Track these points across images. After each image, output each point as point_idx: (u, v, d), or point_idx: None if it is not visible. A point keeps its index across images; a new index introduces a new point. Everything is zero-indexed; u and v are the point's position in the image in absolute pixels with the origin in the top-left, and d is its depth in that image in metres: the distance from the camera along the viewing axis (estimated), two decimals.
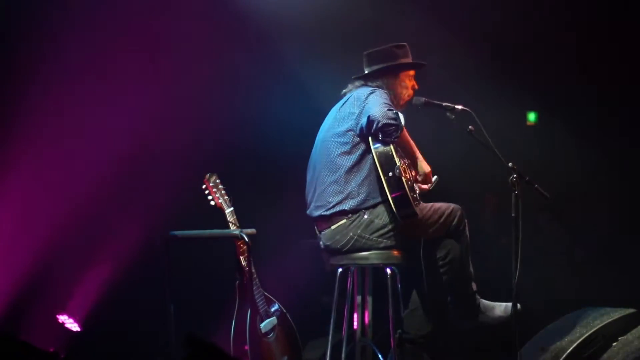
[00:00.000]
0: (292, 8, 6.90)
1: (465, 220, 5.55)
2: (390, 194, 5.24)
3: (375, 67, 5.58)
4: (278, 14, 6.91)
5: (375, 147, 5.28)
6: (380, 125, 5.15)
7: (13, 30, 6.41)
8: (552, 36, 7.32)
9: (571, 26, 7.27)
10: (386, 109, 5.18)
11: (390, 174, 5.24)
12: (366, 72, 5.61)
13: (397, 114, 5.23)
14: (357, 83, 5.62)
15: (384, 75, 5.57)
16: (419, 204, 5.41)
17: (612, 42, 7.28)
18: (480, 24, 7.21)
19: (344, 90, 5.66)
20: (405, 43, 5.65)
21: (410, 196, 5.24)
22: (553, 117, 7.66)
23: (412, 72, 5.67)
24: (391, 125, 5.17)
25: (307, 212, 5.57)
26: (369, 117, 5.19)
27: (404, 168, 5.36)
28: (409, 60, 5.63)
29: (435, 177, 5.58)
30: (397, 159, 5.25)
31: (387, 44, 5.63)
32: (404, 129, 5.33)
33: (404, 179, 5.24)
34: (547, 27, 7.30)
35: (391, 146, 5.26)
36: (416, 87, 5.66)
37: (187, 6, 6.71)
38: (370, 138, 5.30)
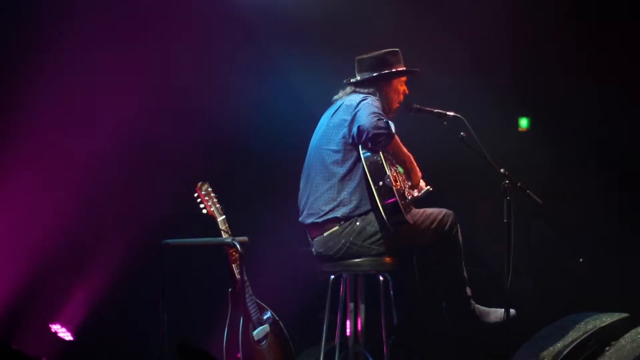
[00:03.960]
0: (286, 10, 6.90)
1: (458, 225, 5.55)
2: (381, 202, 5.25)
3: (367, 75, 5.58)
4: (271, 18, 6.91)
5: (365, 156, 5.30)
6: (370, 135, 5.18)
7: (11, 32, 6.41)
8: (546, 41, 7.33)
9: (567, 29, 7.28)
10: (376, 118, 5.19)
11: (381, 183, 5.25)
12: (358, 78, 5.61)
13: (387, 123, 5.25)
14: (348, 89, 5.62)
15: (377, 82, 5.58)
16: (411, 210, 5.41)
17: (608, 44, 7.28)
18: (473, 28, 7.21)
19: (335, 97, 5.66)
20: (397, 49, 5.66)
21: (401, 204, 5.25)
22: (546, 122, 7.66)
23: (404, 78, 5.68)
24: (381, 135, 5.20)
25: (300, 219, 5.57)
26: (359, 127, 5.22)
27: (395, 176, 5.36)
28: (402, 66, 5.64)
29: (428, 187, 5.58)
30: (387, 168, 5.26)
31: (380, 50, 5.63)
32: (395, 137, 5.34)
33: (394, 188, 5.25)
34: (544, 30, 7.31)
35: (381, 154, 5.28)
36: (407, 92, 5.67)
37: (181, 10, 6.70)
38: (360, 146, 5.32)
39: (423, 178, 5.59)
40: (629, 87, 7.27)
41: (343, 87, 5.68)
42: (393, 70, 5.60)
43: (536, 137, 7.67)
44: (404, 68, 5.64)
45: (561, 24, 7.29)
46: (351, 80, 5.64)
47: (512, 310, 5.36)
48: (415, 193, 5.56)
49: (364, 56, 5.65)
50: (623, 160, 7.38)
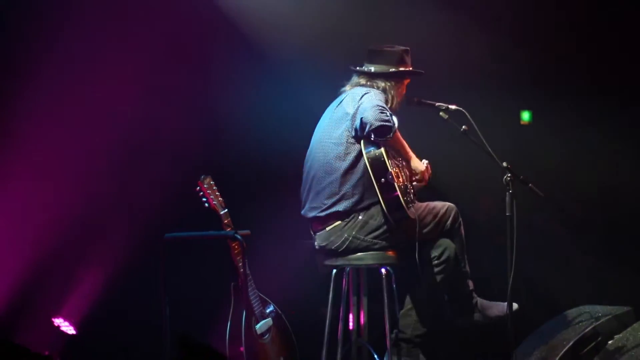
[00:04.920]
0: (284, 6, 6.89)
1: (460, 219, 5.56)
2: (383, 198, 5.26)
3: (385, 68, 5.56)
4: (270, 11, 6.90)
5: (367, 152, 5.30)
6: (372, 127, 5.18)
7: (9, 32, 6.41)
8: (548, 32, 7.32)
9: (568, 23, 7.27)
10: (379, 111, 5.19)
11: (383, 180, 5.25)
12: (372, 69, 5.59)
13: (390, 116, 5.24)
14: (353, 81, 5.62)
15: (391, 78, 5.57)
16: (414, 205, 5.41)
17: (611, 39, 7.27)
18: (475, 20, 7.20)
19: (342, 89, 5.66)
20: (409, 48, 5.66)
21: (403, 200, 5.25)
22: (549, 115, 7.65)
23: (408, 79, 5.70)
24: (384, 127, 5.20)
25: (302, 212, 5.58)
26: (362, 119, 5.22)
27: (397, 172, 5.37)
28: (411, 66, 5.64)
29: (425, 161, 5.58)
30: (389, 164, 5.26)
31: (394, 46, 5.62)
32: (397, 132, 5.34)
33: (396, 184, 5.25)
34: (544, 24, 7.29)
35: (382, 150, 5.28)
36: (405, 92, 5.68)
37: (182, 8, 6.69)
38: (362, 140, 5.32)
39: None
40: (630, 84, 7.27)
41: (348, 78, 5.67)
42: (409, 69, 5.62)
43: (538, 131, 7.66)
44: (412, 68, 5.65)
45: (563, 19, 7.28)
46: (365, 69, 5.62)
47: (514, 304, 5.36)
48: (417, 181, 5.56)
49: (383, 48, 5.63)
50: (624, 158, 7.38)
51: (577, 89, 7.34)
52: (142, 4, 6.56)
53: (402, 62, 5.60)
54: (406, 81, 5.66)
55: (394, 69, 5.58)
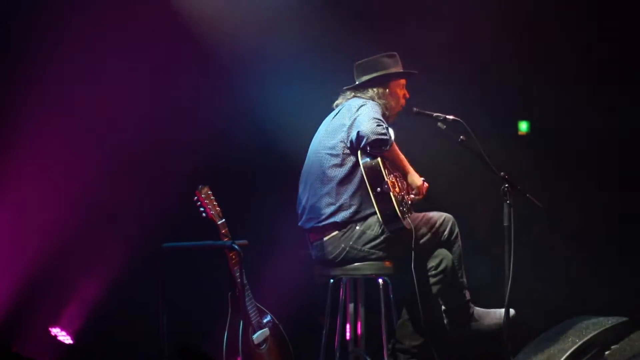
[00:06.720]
0: (283, 9, 6.91)
1: (457, 230, 5.56)
2: (379, 208, 5.26)
3: (364, 78, 5.59)
4: (267, 16, 6.92)
5: (364, 162, 5.30)
6: (369, 141, 5.19)
7: (11, 33, 6.43)
8: (545, 43, 7.34)
9: (566, 32, 7.29)
10: (375, 124, 5.20)
11: (379, 189, 5.25)
12: (357, 83, 5.62)
13: (386, 129, 5.25)
14: (348, 94, 5.62)
15: (375, 86, 5.57)
16: (410, 215, 5.41)
17: (606, 43, 7.29)
18: (473, 31, 7.21)
19: (336, 102, 5.67)
20: (395, 52, 5.66)
21: (399, 211, 5.25)
22: (546, 125, 7.67)
23: (403, 82, 5.67)
24: (380, 140, 5.20)
25: (299, 223, 5.58)
26: (358, 132, 5.23)
27: (394, 182, 5.37)
28: (399, 69, 5.64)
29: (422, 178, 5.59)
30: (385, 174, 5.26)
31: (378, 54, 5.64)
32: (394, 144, 5.34)
33: (392, 194, 5.25)
34: (542, 33, 7.32)
35: (379, 160, 5.28)
36: (407, 96, 5.67)
37: (182, 12, 6.71)
38: (359, 151, 5.32)
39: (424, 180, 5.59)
40: (629, 87, 7.29)
41: (343, 92, 5.68)
42: (389, 72, 5.60)
43: (536, 139, 7.68)
44: (402, 70, 5.65)
45: (560, 27, 7.30)
46: (348, 86, 5.64)
47: (511, 310, 5.36)
48: (418, 197, 5.56)
49: (362, 61, 5.66)
50: (623, 162, 7.39)
51: (577, 97, 7.36)
52: (140, 10, 6.57)
53: (381, 67, 5.59)
54: (395, 85, 5.62)
55: (371, 76, 5.59)
